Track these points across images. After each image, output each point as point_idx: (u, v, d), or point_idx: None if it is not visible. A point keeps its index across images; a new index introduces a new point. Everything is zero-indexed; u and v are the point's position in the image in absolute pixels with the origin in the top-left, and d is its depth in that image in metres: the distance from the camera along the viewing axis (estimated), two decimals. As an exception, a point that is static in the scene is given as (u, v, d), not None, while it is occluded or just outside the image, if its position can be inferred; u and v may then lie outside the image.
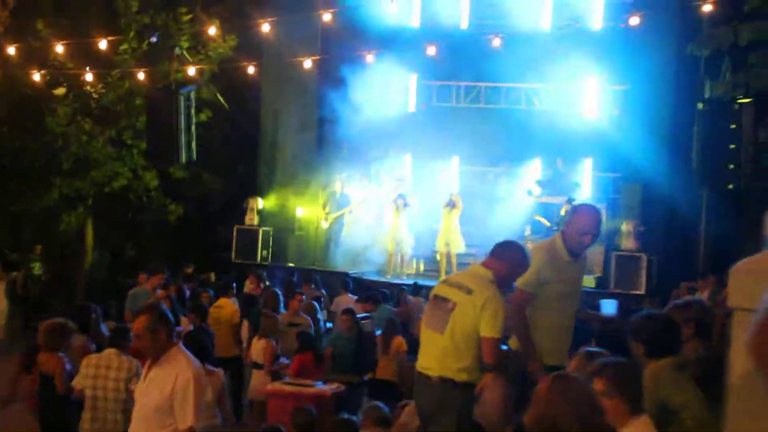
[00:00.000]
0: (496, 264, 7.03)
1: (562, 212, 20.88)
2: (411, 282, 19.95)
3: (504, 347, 7.11)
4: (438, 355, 6.87)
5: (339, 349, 12.91)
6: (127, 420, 9.09)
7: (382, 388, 12.76)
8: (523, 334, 7.11)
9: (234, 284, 17.14)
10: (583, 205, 8.10)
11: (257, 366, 12.29)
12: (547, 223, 21.57)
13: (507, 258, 7.07)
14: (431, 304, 7.18)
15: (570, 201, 21.54)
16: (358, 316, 14.31)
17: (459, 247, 21.72)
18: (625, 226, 20.29)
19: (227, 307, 13.91)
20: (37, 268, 23.86)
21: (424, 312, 7.29)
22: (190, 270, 20.10)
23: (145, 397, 6.53)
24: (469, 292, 6.85)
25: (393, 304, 16.72)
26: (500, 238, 7.77)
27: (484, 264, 7.18)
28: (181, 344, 6.87)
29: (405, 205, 22.23)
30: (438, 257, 22.19)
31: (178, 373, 6.41)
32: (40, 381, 9.64)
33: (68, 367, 9.62)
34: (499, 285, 6.95)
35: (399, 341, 13.66)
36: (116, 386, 9.00)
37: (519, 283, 7.17)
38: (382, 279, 21.63)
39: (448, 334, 6.79)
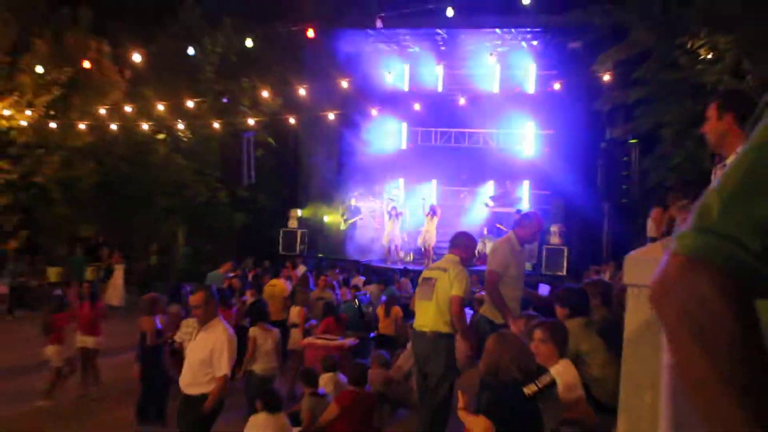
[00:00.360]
0: (458, 251, 7.46)
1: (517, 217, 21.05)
2: (402, 267, 20.02)
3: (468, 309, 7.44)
4: (430, 316, 7.17)
5: (347, 313, 13.05)
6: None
7: (384, 341, 12.85)
8: (498, 300, 7.35)
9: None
10: (533, 214, 8.29)
11: (294, 326, 12.38)
12: (504, 228, 21.64)
13: (462, 245, 7.53)
14: (421, 284, 7.46)
15: (518, 211, 21.67)
16: (358, 292, 14.49)
17: (433, 241, 21.82)
18: (553, 228, 20.32)
19: (279, 285, 13.93)
20: (153, 259, 23.98)
21: (417, 290, 7.50)
22: (252, 260, 20.13)
23: (194, 352, 6.66)
24: (444, 270, 7.29)
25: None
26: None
27: (451, 252, 7.53)
28: (221, 316, 6.97)
29: (397, 215, 22.36)
30: (422, 249, 22.25)
31: (217, 336, 6.57)
32: (140, 336, 9.77)
33: (159, 326, 9.91)
34: (463, 263, 7.36)
35: (397, 309, 13.72)
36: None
37: (492, 266, 7.51)
38: (383, 265, 21.66)
39: (434, 300, 7.14)
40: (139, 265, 24.07)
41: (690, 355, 0.88)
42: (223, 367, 6.49)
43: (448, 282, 7.11)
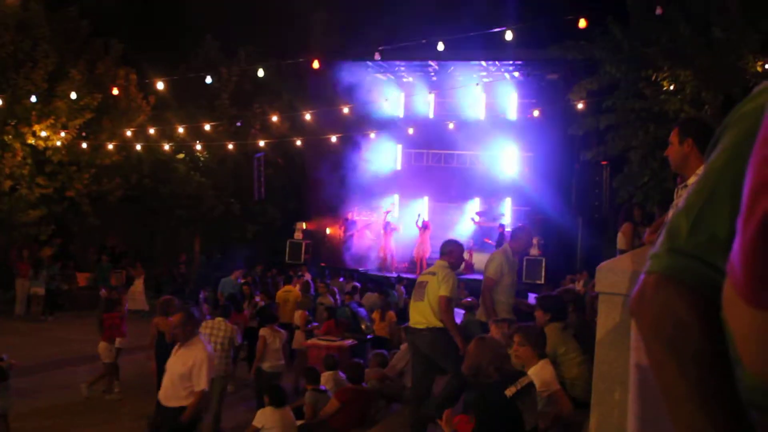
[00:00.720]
0: (446, 257, 7.47)
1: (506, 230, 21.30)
2: (396, 275, 19.99)
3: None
4: (424, 314, 7.15)
5: (343, 317, 13.04)
6: (228, 363, 9.32)
7: (379, 342, 12.84)
8: (488, 303, 7.42)
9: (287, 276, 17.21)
10: (525, 228, 8.37)
11: (297, 328, 12.37)
12: (491, 242, 21.68)
13: (450, 251, 7.53)
14: (416, 287, 7.48)
15: (501, 225, 21.74)
16: (351, 302, 14.50)
17: (428, 253, 21.85)
18: (533, 241, 20.33)
19: (293, 291, 13.94)
20: (182, 267, 23.89)
21: (412, 293, 7.49)
22: (260, 267, 20.04)
23: (173, 366, 6.51)
24: (433, 274, 7.32)
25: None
26: None
27: (441, 258, 7.54)
28: (200, 335, 6.90)
29: (391, 229, 22.39)
30: (415, 260, 22.25)
31: (197, 353, 6.43)
32: (157, 335, 9.78)
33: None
34: (451, 267, 7.37)
35: (391, 314, 13.76)
36: (222, 341, 9.20)
37: (488, 273, 7.52)
38: (379, 273, 21.64)
39: (426, 300, 7.15)
40: (158, 271, 24.03)
41: (661, 363, 0.90)
42: (201, 383, 6.34)
43: (437, 284, 7.12)
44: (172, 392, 6.44)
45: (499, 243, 21.23)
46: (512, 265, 7.71)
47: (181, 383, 6.38)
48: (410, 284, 18.51)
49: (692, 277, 0.90)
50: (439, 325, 7.03)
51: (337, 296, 15.03)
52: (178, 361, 6.49)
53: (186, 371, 6.37)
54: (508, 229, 21.09)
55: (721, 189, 0.90)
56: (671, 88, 12.73)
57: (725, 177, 0.90)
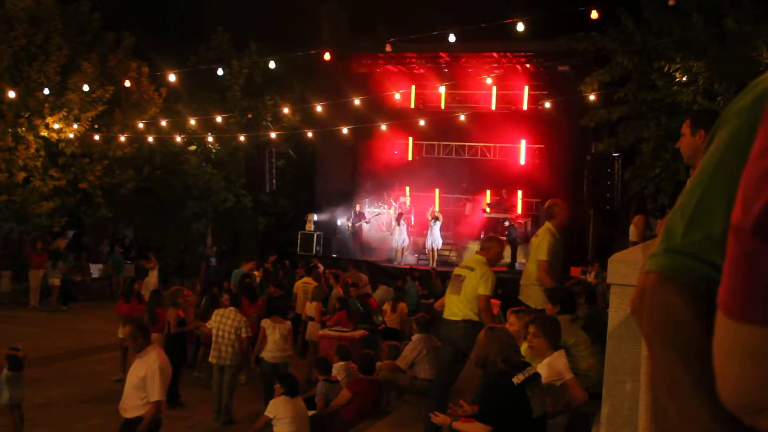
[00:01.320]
0: (485, 253, 7.43)
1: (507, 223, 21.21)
2: (407, 266, 19.97)
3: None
4: (459, 307, 7.19)
5: (353, 307, 13.08)
6: (236, 353, 9.37)
7: (391, 333, 12.87)
8: (550, 285, 7.25)
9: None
10: (558, 201, 8.07)
11: (311, 319, 12.41)
12: (502, 237, 21.60)
13: (488, 248, 7.48)
14: (452, 280, 7.52)
15: (505, 220, 21.70)
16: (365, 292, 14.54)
17: (439, 245, 21.85)
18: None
19: (312, 282, 13.97)
20: (215, 260, 23.89)
21: (448, 285, 7.52)
22: (273, 259, 20.02)
23: (130, 378, 6.46)
24: (471, 269, 7.30)
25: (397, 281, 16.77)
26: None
27: (479, 253, 7.56)
28: (156, 344, 6.95)
29: (402, 221, 22.36)
30: (427, 252, 22.21)
31: (150, 364, 6.35)
32: (167, 325, 9.94)
33: (182, 316, 10.28)
34: (489, 263, 7.33)
35: (402, 305, 13.80)
36: (231, 330, 9.27)
37: (542, 257, 7.34)
38: (390, 266, 21.63)
39: (462, 294, 7.18)
40: (170, 262, 24.13)
41: (663, 360, 0.91)
42: (156, 393, 6.25)
43: (475, 280, 7.13)
44: (129, 403, 6.41)
45: (510, 235, 21.22)
46: (559, 246, 7.56)
47: (135, 393, 6.34)
48: (424, 277, 18.58)
49: (690, 275, 0.90)
50: (475, 318, 7.08)
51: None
52: (133, 372, 6.46)
53: (139, 382, 6.31)
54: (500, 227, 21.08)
55: (715, 187, 0.91)
56: (684, 79, 12.66)
57: (719, 175, 0.91)
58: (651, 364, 0.95)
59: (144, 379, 6.29)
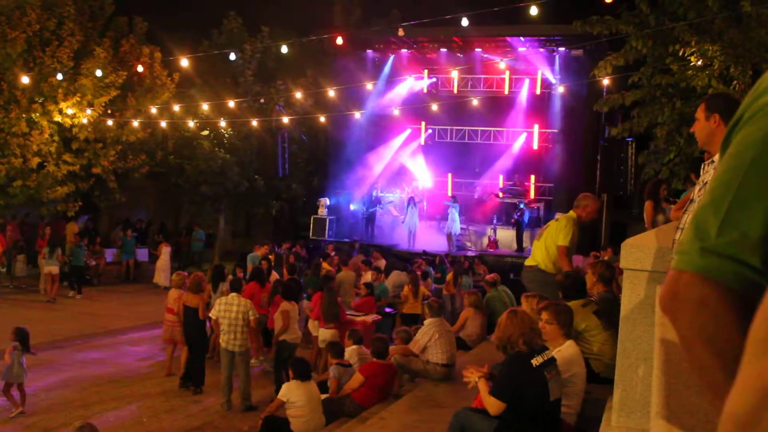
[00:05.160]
0: (578, 210, 7.44)
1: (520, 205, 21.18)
2: (421, 250, 19.94)
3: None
4: (536, 253, 7.39)
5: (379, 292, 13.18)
6: (245, 339, 9.44)
7: (410, 318, 12.93)
8: (569, 267, 7.27)
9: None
10: (590, 195, 8.03)
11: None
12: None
13: (583, 206, 7.49)
14: (540, 230, 7.68)
15: (520, 203, 21.64)
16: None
17: (458, 230, 21.86)
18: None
19: (351, 273, 14.09)
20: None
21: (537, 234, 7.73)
22: (287, 244, 19.97)
23: None
24: (557, 220, 7.48)
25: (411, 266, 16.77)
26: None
27: (573, 209, 7.54)
28: None
29: (414, 205, 22.32)
30: (447, 236, 22.11)
31: None
32: (185, 310, 9.93)
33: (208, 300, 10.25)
34: (578, 220, 7.39)
35: (422, 289, 13.86)
36: (236, 316, 9.30)
37: (561, 242, 7.31)
38: (406, 249, 21.66)
39: (542, 241, 7.36)
40: (185, 248, 24.27)
41: (706, 364, 0.91)
42: None
43: (555, 230, 7.27)
44: None
45: (519, 224, 21.20)
46: (576, 238, 7.52)
47: None
48: (434, 260, 18.55)
49: (728, 278, 0.89)
50: (548, 268, 7.22)
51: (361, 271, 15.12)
52: None
53: None
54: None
55: (751, 185, 0.89)
56: (699, 63, 12.54)
57: (754, 173, 0.89)
58: (691, 365, 0.95)
59: None
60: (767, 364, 0.73)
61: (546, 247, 7.38)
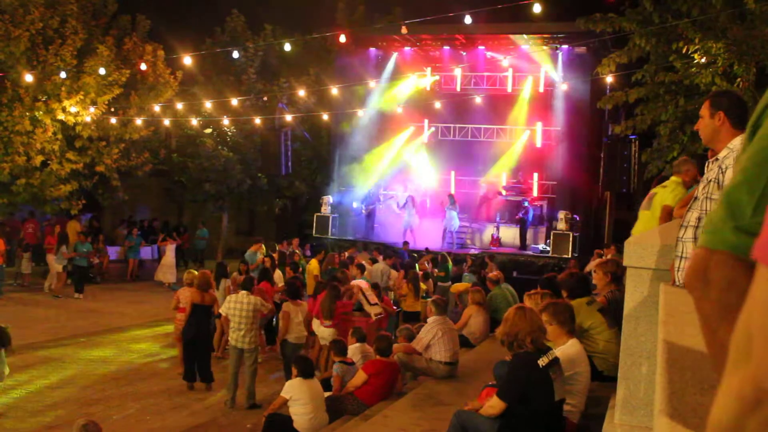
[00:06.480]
0: (682, 176, 6.91)
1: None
2: (423, 248, 19.93)
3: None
4: (645, 224, 6.81)
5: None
6: (255, 337, 9.49)
7: (411, 316, 12.95)
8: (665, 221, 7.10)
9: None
10: (689, 159, 7.74)
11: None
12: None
13: (686, 171, 7.08)
14: (645, 199, 7.22)
15: (524, 200, 21.61)
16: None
17: (456, 227, 21.81)
18: (561, 215, 20.13)
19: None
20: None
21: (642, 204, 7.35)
22: (296, 241, 19.82)
23: None
24: (664, 186, 6.93)
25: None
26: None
27: (675, 176, 7.06)
28: None
29: (412, 204, 22.28)
30: (444, 233, 22.08)
31: None
32: (193, 308, 9.94)
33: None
34: (684, 185, 6.92)
35: (423, 288, 13.88)
36: (247, 313, 9.33)
37: (671, 202, 6.88)
38: (402, 249, 21.63)
39: (652, 209, 6.78)
40: (188, 245, 24.29)
41: (726, 342, 0.86)
42: None
43: (664, 194, 6.80)
44: None
45: (523, 222, 21.18)
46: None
47: None
48: (437, 256, 18.55)
49: None
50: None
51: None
52: None
53: None
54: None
55: None
56: (702, 60, 12.52)
57: None
58: (710, 347, 0.93)
59: None
60: (749, 372, 0.73)
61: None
